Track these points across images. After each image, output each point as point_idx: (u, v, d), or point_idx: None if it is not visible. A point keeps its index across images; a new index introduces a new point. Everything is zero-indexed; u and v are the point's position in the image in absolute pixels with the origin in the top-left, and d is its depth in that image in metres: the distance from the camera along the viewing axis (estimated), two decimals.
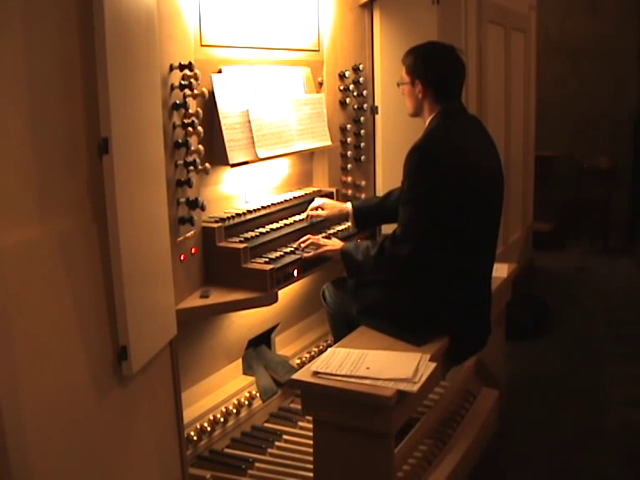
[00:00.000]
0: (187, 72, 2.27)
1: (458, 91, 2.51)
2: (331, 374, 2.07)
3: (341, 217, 2.89)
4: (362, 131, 3.42)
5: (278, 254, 2.57)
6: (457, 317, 2.40)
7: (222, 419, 2.67)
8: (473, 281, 2.46)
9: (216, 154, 2.50)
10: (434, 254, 2.37)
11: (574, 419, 3.26)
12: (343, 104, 3.30)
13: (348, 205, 2.86)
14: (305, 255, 2.60)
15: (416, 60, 2.49)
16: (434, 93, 2.46)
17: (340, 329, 2.58)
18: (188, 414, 2.48)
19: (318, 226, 2.89)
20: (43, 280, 1.60)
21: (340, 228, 2.94)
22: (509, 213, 4.46)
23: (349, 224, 2.90)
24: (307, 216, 2.85)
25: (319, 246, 2.63)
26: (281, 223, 2.79)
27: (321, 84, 3.16)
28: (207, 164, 2.35)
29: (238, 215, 2.62)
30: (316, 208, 2.86)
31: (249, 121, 2.62)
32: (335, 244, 2.63)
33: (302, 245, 2.65)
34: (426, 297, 2.40)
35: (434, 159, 2.32)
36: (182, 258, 2.30)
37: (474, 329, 2.49)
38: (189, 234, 2.34)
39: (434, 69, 2.47)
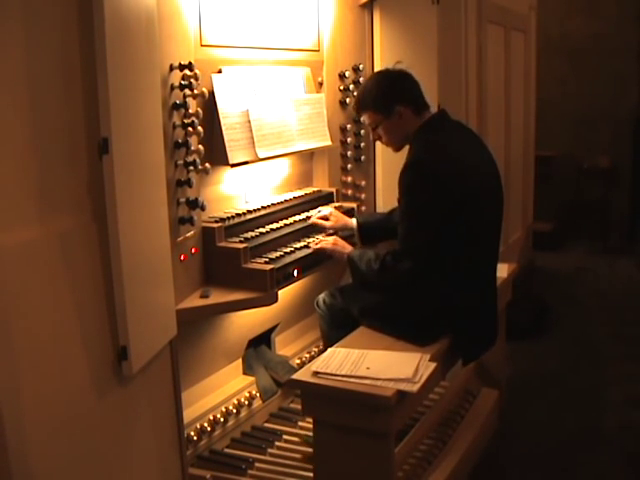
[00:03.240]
0: (187, 72, 2.27)
1: (423, 98, 2.53)
2: (331, 374, 2.07)
3: (344, 231, 2.89)
4: (362, 131, 3.42)
5: (278, 254, 2.56)
6: (459, 318, 2.40)
7: (222, 419, 2.67)
8: (476, 282, 2.46)
9: (216, 154, 2.50)
10: (437, 256, 2.37)
11: (574, 419, 3.26)
12: (343, 104, 3.30)
13: (353, 221, 2.87)
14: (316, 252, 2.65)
15: (378, 94, 2.51)
16: (412, 111, 2.49)
17: (332, 333, 2.58)
18: (188, 414, 2.48)
19: (320, 229, 2.88)
20: (43, 280, 1.60)
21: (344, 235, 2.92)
22: (509, 213, 4.46)
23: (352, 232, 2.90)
24: (311, 221, 2.85)
25: (328, 249, 2.65)
26: (281, 223, 2.79)
27: (321, 84, 3.16)
28: (207, 164, 2.35)
29: (238, 215, 2.62)
30: (322, 218, 2.86)
31: (249, 121, 2.62)
32: (345, 247, 2.64)
33: (314, 247, 2.66)
34: (427, 298, 2.40)
35: (428, 174, 2.33)
36: (182, 258, 2.30)
37: (477, 329, 2.49)
38: (189, 234, 2.34)
39: (402, 89, 2.50)
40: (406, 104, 2.48)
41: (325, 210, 2.91)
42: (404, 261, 2.37)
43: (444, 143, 2.41)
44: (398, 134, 2.54)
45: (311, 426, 2.26)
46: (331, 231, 2.87)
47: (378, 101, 2.52)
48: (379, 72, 2.58)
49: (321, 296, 2.73)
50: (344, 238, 2.77)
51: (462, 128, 2.58)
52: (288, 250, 2.61)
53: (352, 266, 2.56)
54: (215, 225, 2.45)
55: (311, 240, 2.72)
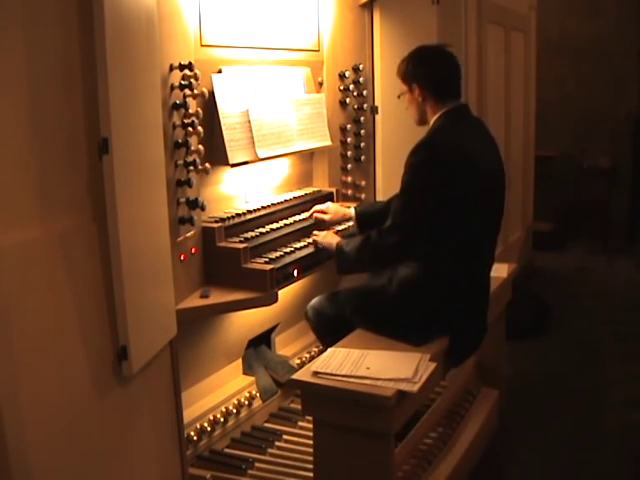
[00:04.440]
0: (187, 72, 2.27)
1: (457, 88, 2.50)
2: (331, 374, 2.07)
3: (344, 222, 2.92)
4: (362, 131, 3.42)
5: (278, 254, 2.57)
6: (456, 317, 2.40)
7: (222, 419, 2.67)
8: (472, 281, 2.46)
9: (216, 154, 2.50)
10: (434, 254, 2.37)
11: (574, 419, 3.26)
12: (343, 104, 3.30)
13: (351, 210, 2.87)
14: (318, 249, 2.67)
15: (408, 65, 2.50)
16: (433, 94, 2.45)
17: (327, 337, 2.59)
18: (188, 414, 2.48)
19: (320, 226, 2.89)
20: (43, 280, 1.60)
21: (340, 228, 2.93)
22: (509, 213, 4.46)
23: (350, 224, 2.91)
24: (311, 215, 2.89)
25: (319, 242, 2.67)
26: (281, 223, 2.79)
27: (321, 84, 3.16)
28: (207, 164, 2.35)
29: (238, 215, 2.62)
30: (321, 211, 2.89)
31: (249, 121, 2.62)
32: (334, 237, 2.65)
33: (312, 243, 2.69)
34: (425, 298, 2.40)
35: (437, 158, 2.31)
36: (182, 258, 2.30)
37: (472, 329, 2.49)
38: (189, 234, 2.34)
39: (427, 69, 2.47)
40: (424, 86, 2.45)
41: (323, 205, 2.92)
42: (390, 236, 2.36)
43: (459, 134, 2.39)
44: (416, 109, 2.52)
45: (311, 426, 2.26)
46: (339, 227, 2.91)
47: (404, 73, 2.52)
48: (420, 47, 2.55)
49: (309, 307, 2.73)
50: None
51: (480, 125, 2.56)
52: (288, 250, 2.61)
53: (338, 253, 2.55)
54: (215, 225, 2.45)
55: (310, 240, 2.73)
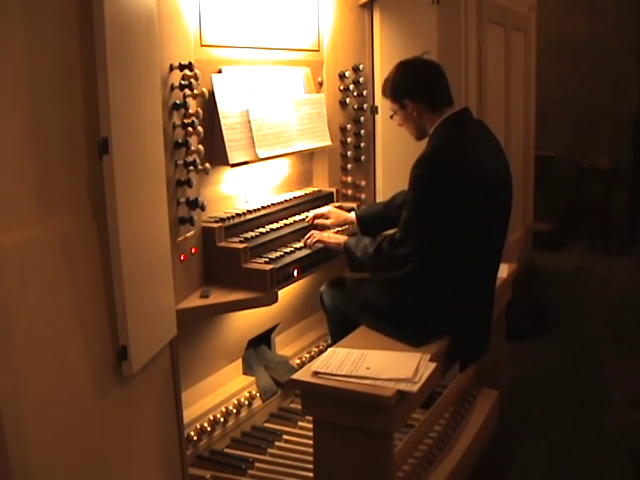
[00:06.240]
0: (187, 72, 2.27)
1: (448, 94, 2.48)
2: (331, 374, 2.07)
3: (345, 226, 2.91)
4: (362, 131, 3.42)
5: (278, 254, 2.57)
6: (459, 320, 2.40)
7: (222, 419, 2.67)
8: (477, 284, 2.45)
9: (216, 154, 2.50)
10: (438, 257, 2.37)
11: (574, 419, 3.26)
12: (343, 104, 3.30)
13: (352, 215, 2.87)
14: (312, 248, 2.66)
15: (395, 84, 2.49)
16: (427, 105, 2.44)
17: (338, 331, 2.59)
18: (188, 414, 2.48)
19: (319, 227, 2.89)
20: (43, 280, 1.60)
21: (340, 229, 2.93)
22: None
23: (348, 226, 2.91)
24: (310, 220, 2.85)
25: (323, 241, 2.67)
26: (281, 223, 2.79)
27: (321, 84, 3.16)
28: (207, 164, 2.35)
29: (238, 215, 2.62)
30: (320, 215, 2.87)
31: (249, 121, 2.62)
32: (338, 238, 2.66)
33: (308, 242, 2.68)
34: (428, 299, 2.40)
35: (442, 170, 2.30)
36: (182, 258, 2.30)
37: (476, 332, 2.49)
38: (189, 234, 2.34)
39: (415, 82, 2.46)
40: (416, 99, 2.44)
41: (323, 208, 2.91)
42: (400, 248, 2.37)
43: (462, 143, 2.37)
44: (413, 125, 2.51)
45: (311, 426, 2.26)
46: (339, 227, 2.90)
47: (392, 91, 2.50)
48: (401, 62, 2.52)
49: (322, 290, 2.74)
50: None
51: (483, 129, 2.52)
52: (288, 250, 2.61)
53: (348, 254, 2.57)
54: (215, 225, 2.45)
55: (308, 240, 2.72)
